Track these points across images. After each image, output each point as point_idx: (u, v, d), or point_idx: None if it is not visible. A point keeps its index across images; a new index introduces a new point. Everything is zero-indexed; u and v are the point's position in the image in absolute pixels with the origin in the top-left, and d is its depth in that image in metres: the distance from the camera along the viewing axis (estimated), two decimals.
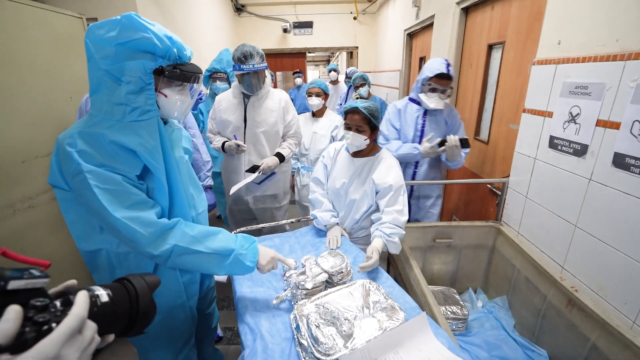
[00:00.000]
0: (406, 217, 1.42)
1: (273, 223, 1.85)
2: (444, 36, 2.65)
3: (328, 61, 12.42)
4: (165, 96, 0.93)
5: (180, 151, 1.08)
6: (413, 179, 2.06)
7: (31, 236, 1.52)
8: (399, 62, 4.13)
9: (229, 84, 2.49)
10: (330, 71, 4.32)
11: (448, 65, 1.81)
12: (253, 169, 1.84)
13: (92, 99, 0.89)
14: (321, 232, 1.69)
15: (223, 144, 1.89)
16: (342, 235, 1.60)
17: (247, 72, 1.70)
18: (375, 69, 5.74)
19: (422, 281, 1.31)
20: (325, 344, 0.89)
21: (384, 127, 2.03)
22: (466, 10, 2.38)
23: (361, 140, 1.47)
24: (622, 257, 1.13)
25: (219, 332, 2.02)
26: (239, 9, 5.40)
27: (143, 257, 0.97)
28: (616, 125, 1.15)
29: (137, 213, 0.88)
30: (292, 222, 1.92)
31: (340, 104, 3.96)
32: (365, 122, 1.44)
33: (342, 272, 1.21)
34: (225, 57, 2.50)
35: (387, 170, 1.48)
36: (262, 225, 1.84)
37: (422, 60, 3.57)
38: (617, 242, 1.15)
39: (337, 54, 9.97)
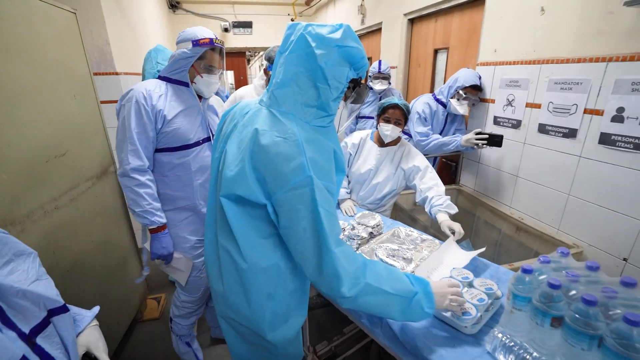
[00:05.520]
0: (443, 187, 1.68)
1: None
2: (392, 41, 3.19)
3: (248, 60, 12.50)
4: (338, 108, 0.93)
5: None
6: None
7: (60, 238, 1.47)
8: None
9: None
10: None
11: (480, 77, 2.09)
12: None
13: (277, 92, 0.84)
14: None
15: None
16: (354, 205, 1.94)
17: None
18: None
19: (430, 229, 1.75)
20: (398, 267, 1.24)
21: (420, 125, 2.24)
22: (412, 21, 2.94)
23: (397, 132, 1.76)
24: (551, 190, 1.74)
25: None
26: (174, 5, 5.19)
27: (296, 276, 0.93)
28: (538, 106, 1.76)
29: (343, 246, 0.80)
30: None
31: None
32: (403, 116, 1.75)
33: (379, 226, 1.56)
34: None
35: (413, 156, 1.81)
36: None
37: (369, 59, 4.10)
38: (547, 181, 1.77)
39: (259, 53, 9.80)
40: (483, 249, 1.31)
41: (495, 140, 1.92)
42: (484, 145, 1.99)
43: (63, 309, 0.72)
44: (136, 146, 1.34)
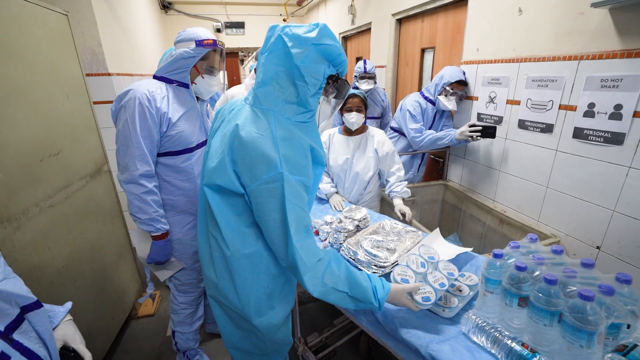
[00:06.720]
0: (403, 171, 1.93)
1: None
2: (381, 40, 3.25)
3: (242, 61, 12.72)
4: (319, 104, 0.96)
5: None
6: (418, 170, 2.53)
7: (55, 235, 1.51)
8: None
9: None
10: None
11: (464, 72, 2.15)
12: None
13: (259, 91, 0.89)
14: (323, 201, 2.06)
15: None
16: (342, 200, 2.00)
17: None
18: None
19: (414, 221, 1.81)
20: (382, 257, 1.29)
21: (413, 122, 2.29)
22: (400, 21, 3.00)
23: (362, 119, 1.87)
24: (531, 184, 1.82)
25: None
26: (166, 6, 5.20)
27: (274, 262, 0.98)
28: (517, 102, 1.83)
29: (307, 240, 0.87)
30: None
31: None
32: (362, 103, 1.86)
33: (365, 219, 1.62)
34: None
35: (383, 142, 1.92)
36: None
37: (358, 59, 4.16)
38: (527, 175, 1.84)
39: (252, 54, 9.88)
40: (470, 249, 1.37)
41: (488, 132, 1.96)
42: (479, 137, 2.01)
43: (36, 305, 0.72)
44: (143, 151, 1.29)
